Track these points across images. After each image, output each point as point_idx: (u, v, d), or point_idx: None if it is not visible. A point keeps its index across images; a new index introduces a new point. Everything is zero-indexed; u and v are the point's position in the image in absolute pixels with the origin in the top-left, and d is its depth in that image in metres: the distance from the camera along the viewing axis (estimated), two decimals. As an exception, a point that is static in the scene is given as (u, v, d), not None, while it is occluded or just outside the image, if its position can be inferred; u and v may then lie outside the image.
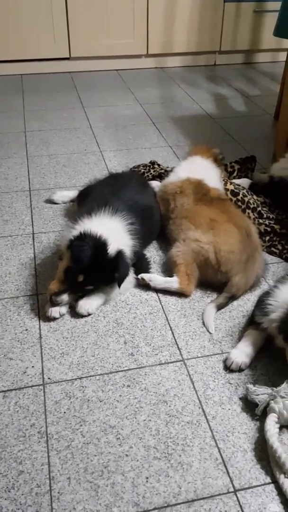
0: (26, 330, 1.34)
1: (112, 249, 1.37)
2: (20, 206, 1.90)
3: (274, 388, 1.10)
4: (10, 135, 2.50)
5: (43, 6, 3.19)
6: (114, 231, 1.42)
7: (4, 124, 2.62)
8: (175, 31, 3.47)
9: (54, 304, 1.35)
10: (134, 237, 1.48)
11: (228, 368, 1.24)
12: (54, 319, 1.38)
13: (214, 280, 1.49)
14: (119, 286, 1.39)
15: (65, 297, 1.36)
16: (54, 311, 1.37)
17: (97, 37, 3.36)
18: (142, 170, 2.08)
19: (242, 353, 1.24)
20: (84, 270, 1.34)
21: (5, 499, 0.95)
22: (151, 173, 2.04)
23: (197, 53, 3.62)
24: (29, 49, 3.31)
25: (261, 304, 1.27)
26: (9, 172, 2.15)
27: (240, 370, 1.23)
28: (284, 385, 1.10)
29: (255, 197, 1.84)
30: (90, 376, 1.21)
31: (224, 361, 1.26)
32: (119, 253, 1.38)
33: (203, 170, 1.75)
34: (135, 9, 3.33)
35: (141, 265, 1.55)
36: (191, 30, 3.50)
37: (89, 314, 1.39)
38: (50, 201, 1.91)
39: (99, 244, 1.36)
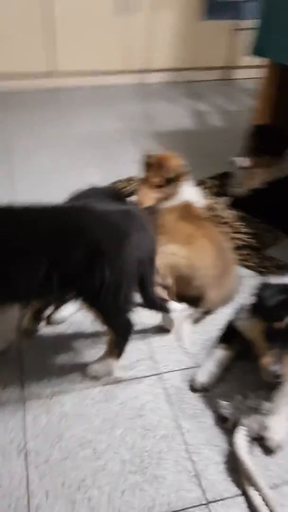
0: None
1: None
2: None
3: (243, 401, 1.14)
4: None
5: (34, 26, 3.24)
6: None
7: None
8: (154, 48, 3.55)
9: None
10: None
11: (194, 389, 1.27)
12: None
13: (189, 294, 1.54)
14: None
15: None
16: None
17: (81, 51, 3.43)
18: (120, 186, 2.12)
19: (207, 373, 1.27)
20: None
21: (-17, 515, 0.97)
22: (128, 189, 2.08)
23: (177, 69, 3.70)
24: (14, 64, 3.36)
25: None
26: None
27: (205, 390, 1.26)
28: (252, 397, 1.15)
29: (231, 212, 1.90)
30: (70, 391, 1.24)
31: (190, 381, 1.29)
32: None
33: (190, 190, 1.78)
34: (116, 25, 3.41)
35: None
36: (171, 46, 3.58)
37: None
38: None
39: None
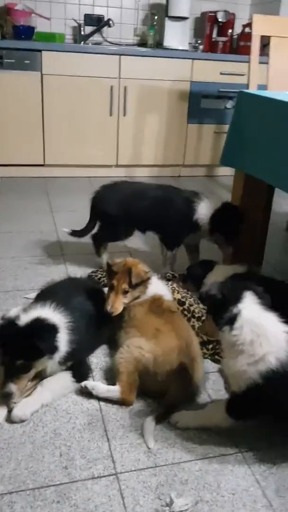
0: None
1: (26, 318, 1.46)
2: (-23, 308, 1.98)
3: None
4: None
5: (31, 123, 3.54)
6: (49, 318, 1.51)
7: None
8: (143, 146, 3.83)
9: (5, 396, 1.40)
10: (72, 333, 1.54)
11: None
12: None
13: (154, 389, 1.55)
14: (46, 353, 1.44)
15: (12, 386, 1.40)
16: None
17: (73, 146, 3.70)
18: (99, 275, 2.20)
19: None
20: (8, 348, 1.43)
21: None
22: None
23: (163, 165, 3.97)
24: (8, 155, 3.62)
25: None
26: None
27: None
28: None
29: (201, 306, 1.95)
30: (21, 490, 1.21)
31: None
32: (36, 321, 1.46)
33: (159, 284, 1.85)
34: (107, 126, 3.70)
35: (80, 371, 1.60)
36: (158, 146, 3.87)
37: (22, 421, 1.42)
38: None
39: (11, 320, 1.48)
